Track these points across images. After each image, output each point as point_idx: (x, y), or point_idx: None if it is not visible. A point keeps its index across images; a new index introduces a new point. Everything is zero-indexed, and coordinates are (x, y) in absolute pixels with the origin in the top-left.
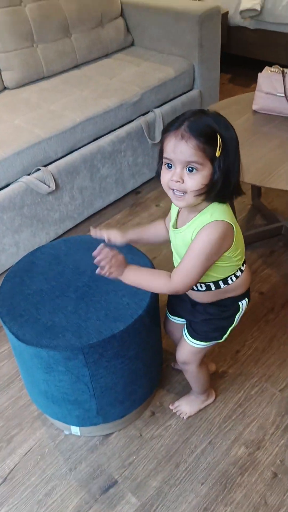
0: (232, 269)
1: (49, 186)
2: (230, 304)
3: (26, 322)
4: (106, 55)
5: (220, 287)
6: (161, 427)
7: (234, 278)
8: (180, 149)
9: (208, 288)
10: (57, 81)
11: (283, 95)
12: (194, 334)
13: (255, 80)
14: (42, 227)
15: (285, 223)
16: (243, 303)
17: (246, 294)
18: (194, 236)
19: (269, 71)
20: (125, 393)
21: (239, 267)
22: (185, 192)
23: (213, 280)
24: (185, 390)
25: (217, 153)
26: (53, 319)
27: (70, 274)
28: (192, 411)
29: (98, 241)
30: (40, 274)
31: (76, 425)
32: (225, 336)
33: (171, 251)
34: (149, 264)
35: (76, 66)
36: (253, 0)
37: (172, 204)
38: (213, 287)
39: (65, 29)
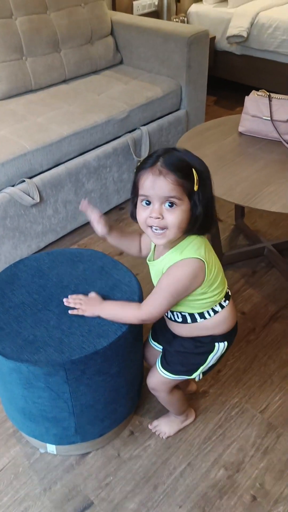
0: (209, 304)
1: (33, 198)
2: (206, 342)
3: (6, 335)
4: (95, 72)
5: (197, 321)
6: (140, 447)
7: (212, 313)
8: (159, 185)
9: (184, 319)
10: (45, 95)
11: (269, 118)
12: (165, 365)
13: (239, 103)
14: (24, 240)
15: (267, 244)
16: (220, 346)
17: (226, 337)
18: (165, 270)
19: (256, 95)
20: (105, 412)
21: (217, 302)
22: (165, 228)
23: (189, 311)
24: (165, 409)
25: (195, 188)
26: (34, 333)
27: (53, 288)
28: (171, 431)
29: (82, 256)
30: (22, 286)
31: (53, 443)
32: (196, 374)
33: None
34: (134, 280)
35: (65, 81)
36: (240, 27)
37: None
38: (189, 319)
39: (55, 44)
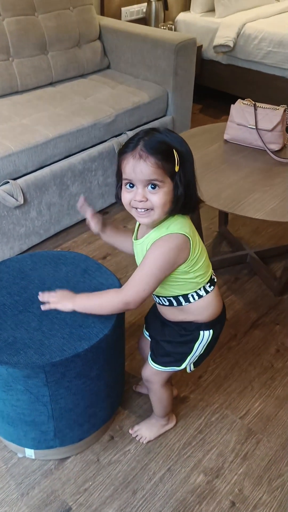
0: (192, 286)
1: (17, 200)
2: (191, 330)
3: None
4: (82, 75)
5: (182, 304)
6: (120, 452)
7: (196, 297)
8: (140, 168)
9: (170, 303)
10: (31, 96)
11: (254, 127)
12: (154, 357)
13: (224, 112)
14: (6, 241)
15: (250, 251)
16: (205, 334)
17: (211, 325)
18: (148, 247)
19: (242, 104)
20: (85, 416)
21: (201, 285)
22: (150, 209)
23: (173, 294)
24: (146, 414)
25: (176, 168)
26: (14, 335)
27: (35, 289)
28: (152, 436)
29: (66, 258)
30: (3, 288)
31: (31, 448)
32: (185, 364)
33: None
34: (117, 283)
35: (51, 84)
36: (227, 37)
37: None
38: (174, 303)
39: (42, 46)
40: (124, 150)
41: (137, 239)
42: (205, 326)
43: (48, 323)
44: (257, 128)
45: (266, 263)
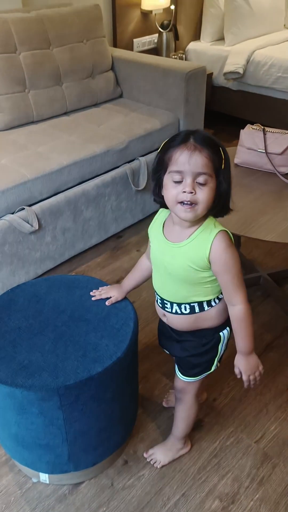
0: (219, 289)
1: (32, 226)
2: (211, 336)
3: (1, 360)
4: (95, 104)
5: (204, 309)
6: (134, 476)
7: (217, 301)
8: (195, 159)
9: (192, 310)
10: (46, 125)
11: (264, 151)
12: (182, 371)
13: (236, 136)
14: (22, 266)
15: (263, 273)
16: (225, 333)
17: (226, 324)
18: (206, 252)
19: (251, 128)
20: (99, 439)
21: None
22: (194, 204)
23: (198, 300)
24: (160, 437)
25: (223, 165)
26: (29, 358)
27: (49, 313)
28: (166, 460)
29: (79, 282)
30: (18, 311)
31: (45, 472)
32: (214, 366)
33: (152, 294)
34: (130, 306)
35: (66, 113)
36: (236, 64)
37: (151, 224)
38: (197, 308)
39: (57, 78)
40: (171, 144)
41: (169, 241)
42: (222, 326)
43: (62, 346)
44: (266, 152)
45: (279, 285)
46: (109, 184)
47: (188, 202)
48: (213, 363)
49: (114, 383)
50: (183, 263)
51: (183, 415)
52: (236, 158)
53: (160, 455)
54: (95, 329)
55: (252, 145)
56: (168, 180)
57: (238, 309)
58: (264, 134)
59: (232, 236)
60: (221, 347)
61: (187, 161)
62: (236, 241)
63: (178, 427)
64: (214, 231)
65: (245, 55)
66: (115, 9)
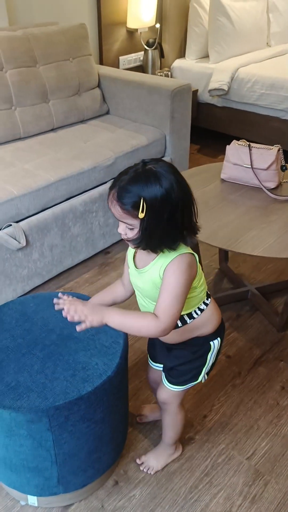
0: (196, 301)
1: (19, 242)
2: (201, 344)
3: None
4: (82, 121)
5: (187, 322)
6: (125, 497)
7: (198, 312)
8: (113, 210)
9: (175, 325)
10: (33, 142)
11: (249, 166)
12: (170, 379)
13: (221, 151)
14: (9, 283)
15: (251, 288)
16: (215, 343)
17: (217, 333)
18: (162, 273)
19: (237, 144)
20: (89, 461)
21: (202, 300)
22: (130, 241)
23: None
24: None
25: (140, 215)
26: (17, 379)
27: (38, 332)
28: (159, 466)
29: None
30: (6, 330)
31: (34, 495)
32: (201, 376)
33: (138, 310)
34: None
35: (53, 130)
36: (221, 81)
37: (128, 248)
38: (179, 323)
39: (43, 95)
40: (110, 187)
41: (138, 268)
42: (213, 335)
43: (51, 366)
44: (252, 168)
45: (267, 299)
46: (97, 200)
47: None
48: (200, 373)
49: (104, 403)
50: (149, 286)
51: (170, 423)
52: (223, 174)
53: (152, 461)
54: (85, 347)
55: (238, 160)
56: None
57: (156, 321)
58: (250, 149)
59: (197, 259)
60: (210, 357)
61: (110, 209)
62: (224, 256)
63: (167, 434)
64: (172, 255)
65: (229, 72)
66: (101, 28)
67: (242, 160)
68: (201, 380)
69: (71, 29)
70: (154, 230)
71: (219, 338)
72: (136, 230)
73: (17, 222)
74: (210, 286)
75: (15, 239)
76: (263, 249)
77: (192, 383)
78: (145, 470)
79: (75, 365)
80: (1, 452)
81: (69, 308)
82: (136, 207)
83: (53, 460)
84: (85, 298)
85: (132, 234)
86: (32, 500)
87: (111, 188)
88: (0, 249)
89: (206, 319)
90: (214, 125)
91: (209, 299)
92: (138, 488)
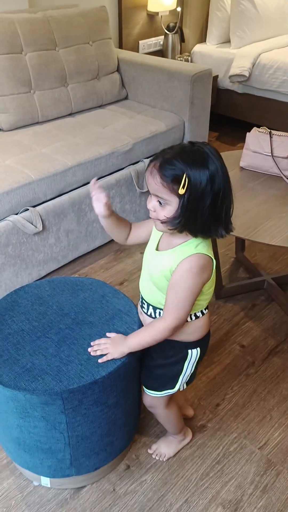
0: (199, 306)
1: (36, 227)
2: (178, 349)
3: (4, 363)
4: (100, 106)
5: None
6: (136, 482)
7: (193, 317)
8: (150, 183)
9: None
10: (51, 127)
11: (270, 154)
12: (146, 382)
13: (240, 139)
14: (25, 267)
15: (267, 277)
16: (193, 352)
17: (198, 344)
18: (174, 265)
19: (257, 131)
20: (102, 444)
21: (202, 307)
22: (157, 220)
23: None
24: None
25: (181, 191)
26: (33, 361)
27: (53, 315)
28: (171, 452)
29: (83, 284)
30: (22, 313)
31: (47, 476)
32: (178, 385)
33: None
34: (135, 309)
35: (71, 114)
36: (242, 67)
37: (153, 228)
38: None
39: (62, 79)
40: (151, 160)
41: (158, 250)
42: (193, 344)
43: (66, 349)
44: (272, 156)
45: (283, 289)
46: (114, 186)
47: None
48: (177, 381)
49: (117, 388)
50: (160, 270)
51: (164, 422)
52: (242, 161)
53: (164, 448)
54: (99, 332)
55: (258, 148)
56: None
57: (162, 321)
58: (271, 137)
59: (214, 262)
60: (187, 365)
61: (147, 182)
62: (240, 245)
63: (168, 429)
64: (189, 252)
65: (250, 58)
66: (121, 11)
67: (262, 147)
68: (179, 389)
69: (91, 11)
70: (195, 212)
71: (198, 349)
72: (168, 208)
73: (34, 206)
74: (226, 275)
75: (32, 224)
76: (281, 238)
77: (169, 391)
78: (157, 457)
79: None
80: (15, 433)
81: (94, 345)
82: (177, 181)
83: (66, 442)
84: (100, 283)
85: (163, 212)
86: (45, 481)
87: (153, 160)
88: (17, 233)
89: (196, 327)
90: (233, 112)
91: (207, 310)
92: (150, 473)
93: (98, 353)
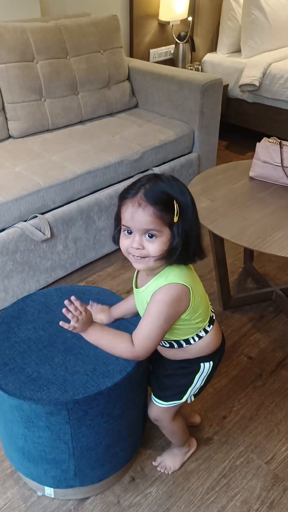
0: (193, 331)
1: (44, 234)
2: (191, 362)
3: (10, 371)
4: (111, 114)
5: (182, 346)
6: (141, 494)
7: (196, 339)
8: (138, 217)
9: (171, 345)
10: (61, 134)
11: (280, 164)
12: (155, 391)
13: (250, 149)
14: (33, 274)
15: (276, 288)
16: (205, 366)
17: (211, 357)
18: (149, 299)
19: (267, 142)
20: (106, 455)
21: (202, 328)
22: (146, 257)
23: (175, 339)
24: (167, 448)
25: (175, 219)
26: (38, 370)
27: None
28: (176, 465)
29: (90, 293)
30: (29, 322)
31: (51, 486)
32: (186, 396)
33: None
34: (140, 318)
35: (81, 122)
36: (252, 76)
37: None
38: (175, 345)
39: (73, 87)
40: (124, 196)
41: (137, 287)
42: (206, 358)
43: (72, 359)
44: (282, 166)
45: None
46: None
47: (138, 256)
48: (185, 393)
49: (123, 399)
50: (144, 307)
51: (169, 435)
52: (251, 171)
53: (168, 461)
54: None
55: (268, 158)
56: (122, 230)
57: (130, 345)
58: (281, 147)
59: (191, 292)
60: (197, 378)
61: (131, 218)
62: (249, 255)
63: (173, 442)
64: (163, 283)
65: (261, 67)
66: (132, 20)
67: (272, 158)
68: (187, 401)
69: (103, 20)
70: (189, 238)
71: (211, 362)
72: (161, 241)
73: (42, 213)
74: (234, 285)
75: (40, 231)
76: None
77: (176, 402)
78: (162, 470)
79: (95, 359)
80: (20, 442)
81: (76, 305)
82: (169, 210)
83: (71, 453)
84: (107, 292)
85: (153, 246)
86: (49, 491)
87: (133, 193)
88: (25, 240)
89: (204, 345)
90: (243, 121)
91: (212, 326)
92: (155, 486)
93: (69, 316)
